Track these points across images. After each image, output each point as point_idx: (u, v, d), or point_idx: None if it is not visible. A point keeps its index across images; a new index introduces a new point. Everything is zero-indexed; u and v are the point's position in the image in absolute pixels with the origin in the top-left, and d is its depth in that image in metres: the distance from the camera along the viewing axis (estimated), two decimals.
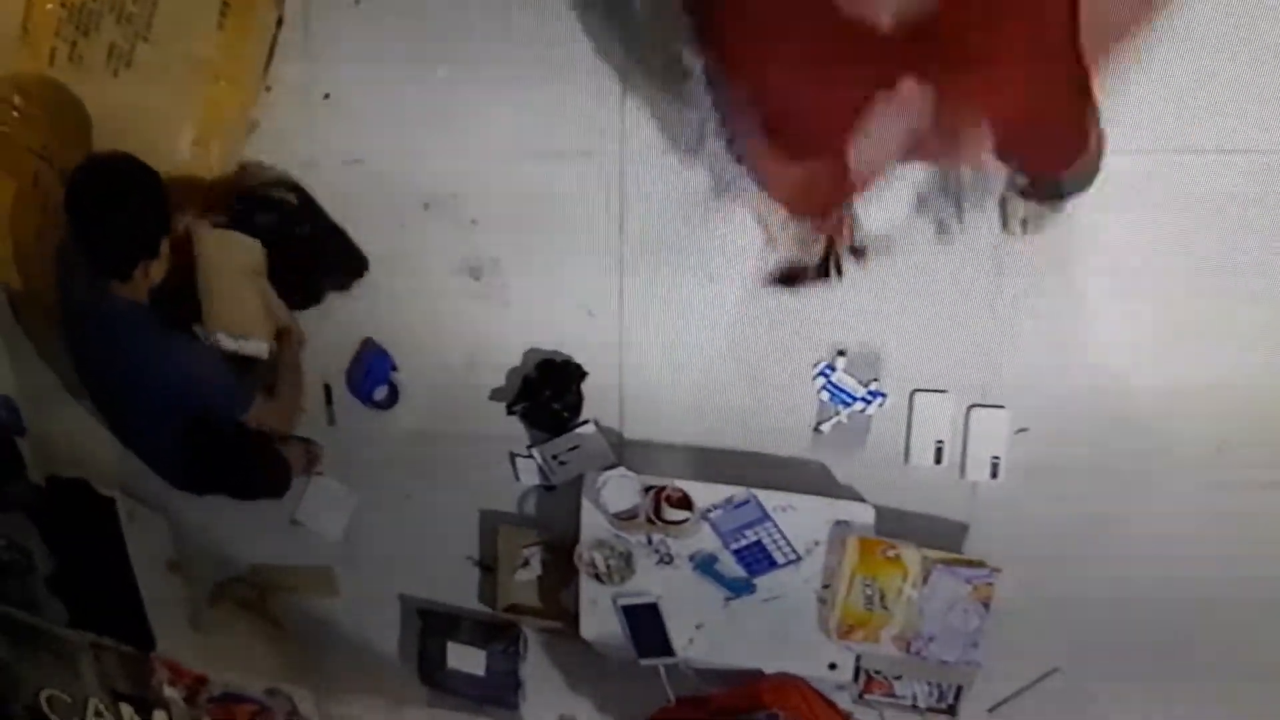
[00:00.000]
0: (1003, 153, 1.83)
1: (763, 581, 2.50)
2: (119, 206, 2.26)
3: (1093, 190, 2.14)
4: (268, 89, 2.71)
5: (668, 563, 2.55)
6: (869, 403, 2.49)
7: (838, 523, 2.44)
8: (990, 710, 2.63)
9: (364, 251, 2.71)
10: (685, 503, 2.48)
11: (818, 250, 2.16)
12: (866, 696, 2.61)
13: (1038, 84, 1.63)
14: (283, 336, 2.61)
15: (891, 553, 2.40)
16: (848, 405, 2.50)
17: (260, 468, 2.76)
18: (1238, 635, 2.46)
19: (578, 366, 2.65)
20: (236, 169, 2.69)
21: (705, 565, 2.53)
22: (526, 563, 2.78)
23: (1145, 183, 2.18)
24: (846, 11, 1.48)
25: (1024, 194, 2.11)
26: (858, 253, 2.20)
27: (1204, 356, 2.33)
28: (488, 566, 2.87)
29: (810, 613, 2.49)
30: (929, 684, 2.57)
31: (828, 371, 2.49)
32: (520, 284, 2.67)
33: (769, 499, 2.47)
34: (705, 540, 2.52)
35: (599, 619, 2.60)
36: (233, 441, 2.66)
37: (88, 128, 2.59)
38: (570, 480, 2.69)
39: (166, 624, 3.12)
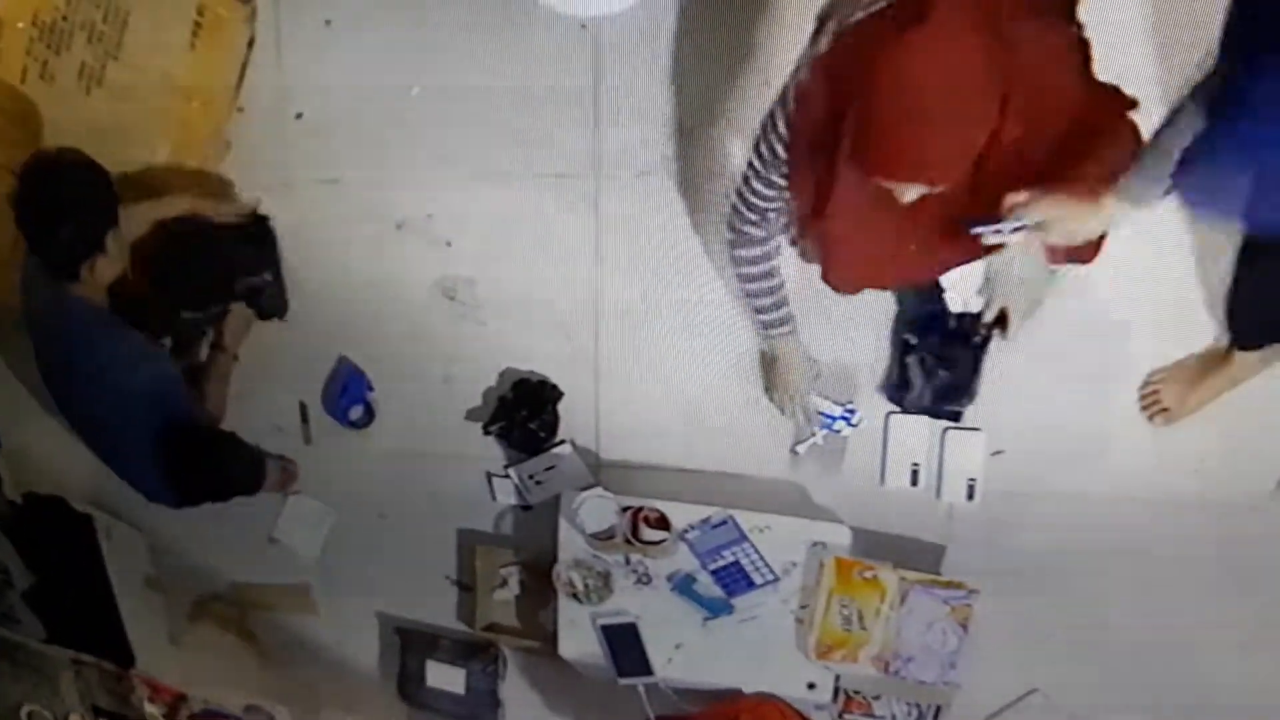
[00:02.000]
0: None
1: (741, 602, 2.49)
2: (62, 202, 2.27)
3: None
4: (240, 109, 2.72)
5: (646, 583, 2.55)
6: (844, 420, 2.48)
7: (814, 543, 2.44)
8: None
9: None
10: (663, 523, 2.48)
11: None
12: (845, 716, 2.59)
13: None
14: (216, 351, 2.70)
15: (869, 573, 2.40)
16: (827, 426, 2.50)
17: (234, 461, 2.71)
18: (1217, 656, 2.44)
19: (553, 387, 2.65)
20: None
21: (683, 585, 2.52)
22: (504, 582, 2.78)
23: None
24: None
25: None
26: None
27: None
28: (466, 585, 2.87)
29: (788, 633, 2.48)
30: (908, 704, 2.56)
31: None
32: (495, 305, 2.67)
33: (746, 520, 2.47)
34: (683, 560, 2.51)
35: (578, 639, 2.60)
36: (204, 440, 2.65)
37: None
38: (547, 500, 2.68)
39: (146, 641, 3.11)
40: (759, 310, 2.09)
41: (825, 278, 2.18)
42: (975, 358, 2.35)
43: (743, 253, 2.00)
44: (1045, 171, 1.64)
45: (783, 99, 1.77)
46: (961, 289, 1.96)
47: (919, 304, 2.38)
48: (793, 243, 2.06)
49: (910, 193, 1.62)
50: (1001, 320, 2.19)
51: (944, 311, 2.34)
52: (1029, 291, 2.00)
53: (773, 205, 1.90)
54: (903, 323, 2.42)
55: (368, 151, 2.66)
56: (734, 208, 1.96)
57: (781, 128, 1.78)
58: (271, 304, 2.76)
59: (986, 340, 2.28)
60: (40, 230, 2.31)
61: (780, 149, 1.79)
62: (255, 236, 2.71)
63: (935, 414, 2.44)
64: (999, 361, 2.37)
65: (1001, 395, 2.41)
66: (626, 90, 2.45)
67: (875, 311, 2.43)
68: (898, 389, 2.44)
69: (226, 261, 2.67)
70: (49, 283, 2.37)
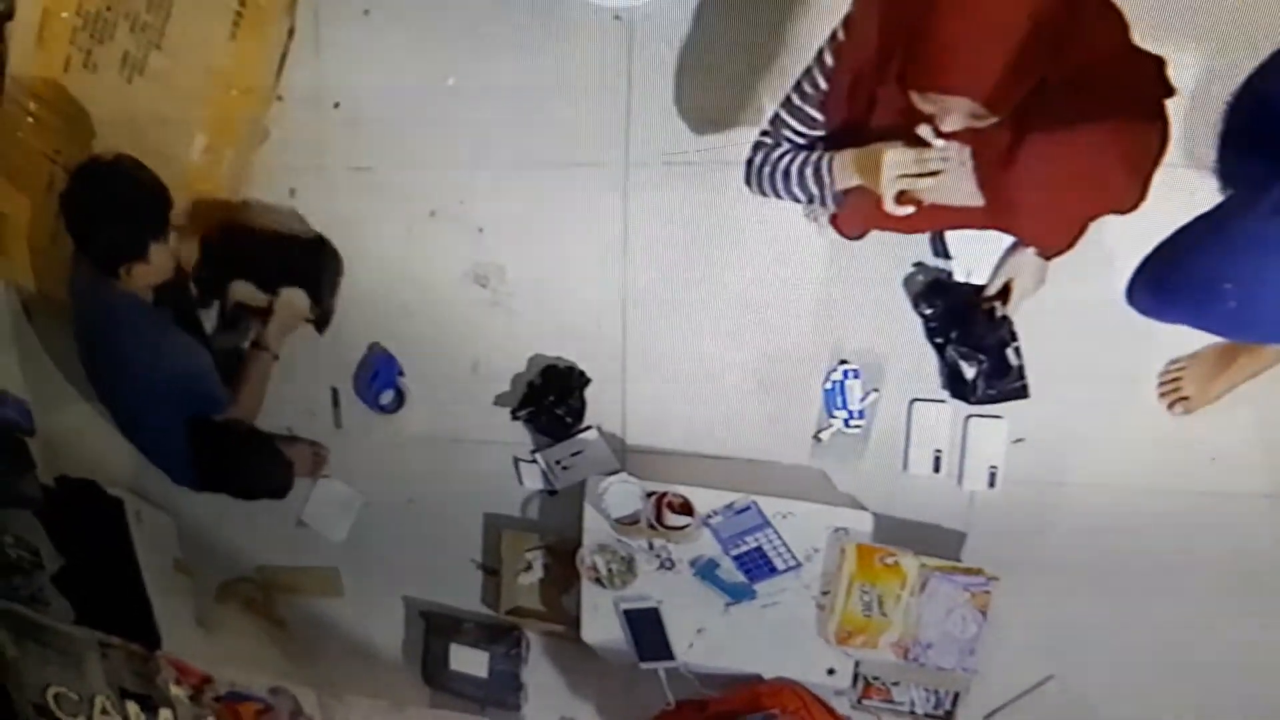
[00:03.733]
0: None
1: (763, 587, 2.52)
2: (109, 206, 2.32)
3: None
4: (279, 98, 2.76)
5: (669, 568, 2.57)
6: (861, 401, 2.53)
7: (836, 529, 2.46)
8: (987, 717, 2.63)
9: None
10: (686, 508, 2.50)
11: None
12: (864, 702, 2.62)
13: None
14: (256, 349, 2.71)
15: (890, 560, 2.42)
16: (852, 415, 2.53)
17: (263, 467, 2.81)
18: (1234, 643, 2.46)
19: (581, 373, 2.68)
20: None
21: (706, 570, 2.55)
22: (529, 566, 2.81)
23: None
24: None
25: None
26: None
27: None
28: (491, 569, 2.89)
29: (810, 619, 2.50)
30: (926, 690, 2.58)
31: (847, 375, 2.52)
32: (525, 291, 2.70)
33: (769, 505, 2.49)
34: (706, 546, 2.54)
35: (600, 623, 2.62)
36: (235, 440, 2.73)
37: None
38: (573, 485, 2.71)
39: (173, 623, 3.14)
40: (805, 191, 1.94)
41: (834, 220, 2.20)
42: (1001, 335, 2.38)
43: (764, 165, 1.96)
44: (1071, 135, 1.67)
45: (831, 36, 1.79)
46: (966, 258, 1.97)
47: (930, 299, 2.43)
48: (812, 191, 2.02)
49: (952, 118, 1.61)
50: (1005, 294, 2.21)
51: (959, 303, 2.37)
52: (1035, 269, 2.01)
53: (802, 139, 1.90)
54: (926, 326, 2.45)
55: (403, 140, 2.69)
56: (759, 143, 1.96)
57: (828, 59, 1.79)
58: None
59: (991, 312, 2.31)
60: (84, 229, 2.37)
61: (823, 81, 1.81)
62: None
63: (1003, 398, 2.43)
64: (1021, 350, 2.40)
65: None
66: (658, 81, 2.48)
67: (899, 301, 2.46)
68: (957, 385, 2.45)
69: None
70: (93, 272, 2.42)
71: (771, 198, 1.97)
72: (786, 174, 1.92)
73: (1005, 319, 2.33)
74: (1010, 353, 2.39)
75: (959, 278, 2.32)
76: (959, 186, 1.83)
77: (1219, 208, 1.66)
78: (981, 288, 2.29)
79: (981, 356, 2.40)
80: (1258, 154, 1.55)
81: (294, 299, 2.71)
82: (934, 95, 1.59)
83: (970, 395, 2.44)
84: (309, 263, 2.75)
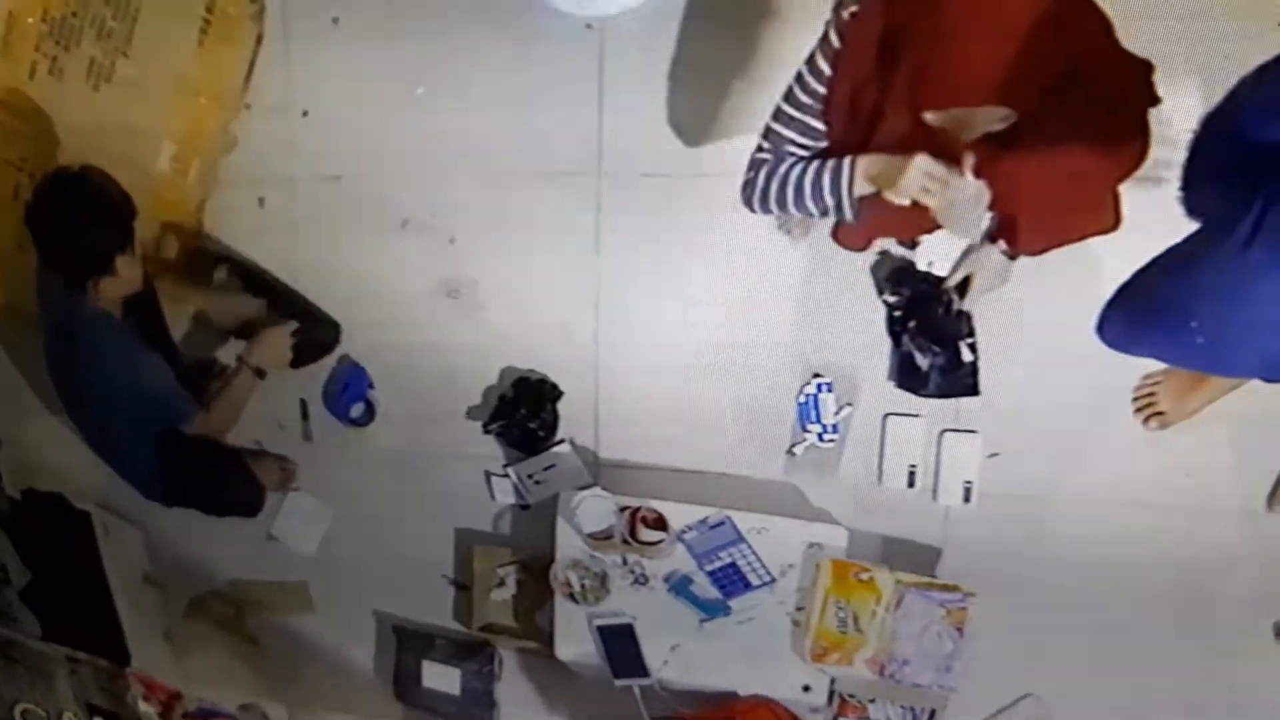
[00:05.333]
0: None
1: (737, 603, 2.50)
2: (75, 219, 2.29)
3: None
4: (247, 106, 2.74)
5: (643, 583, 2.55)
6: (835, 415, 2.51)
7: (811, 545, 2.44)
8: None
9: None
10: (660, 523, 2.48)
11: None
12: (840, 719, 2.61)
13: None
14: (243, 366, 2.65)
15: (864, 575, 2.40)
16: (826, 430, 2.51)
17: (234, 485, 2.78)
18: (1212, 661, 2.45)
19: (553, 386, 2.66)
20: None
21: (680, 586, 2.53)
22: (502, 582, 2.78)
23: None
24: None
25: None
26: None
27: None
28: (463, 585, 2.87)
29: (784, 635, 2.49)
30: (903, 707, 2.56)
31: (821, 389, 2.50)
32: (497, 303, 2.69)
33: (743, 521, 2.47)
34: (680, 561, 2.52)
35: (574, 639, 2.60)
36: (206, 458, 2.69)
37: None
38: (546, 500, 2.69)
39: (142, 639, 3.11)
40: (820, 201, 1.86)
41: (835, 234, 2.19)
42: (958, 328, 2.36)
43: (770, 182, 1.89)
44: (1062, 155, 1.64)
45: (823, 39, 1.74)
46: (930, 249, 1.95)
47: (895, 287, 2.41)
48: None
49: (973, 128, 1.58)
50: (964, 287, 2.20)
51: (921, 292, 2.36)
52: (998, 266, 2.00)
53: (805, 151, 1.85)
54: (889, 314, 2.43)
55: (372, 149, 2.68)
56: (759, 160, 1.90)
57: (824, 66, 1.73)
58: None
59: (949, 305, 2.29)
60: (49, 242, 2.34)
61: (820, 87, 1.75)
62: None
63: (953, 393, 2.42)
64: (995, 364, 2.40)
65: (998, 398, 2.42)
66: (631, 90, 2.47)
67: (873, 317, 2.46)
68: (908, 376, 2.43)
69: None
70: (60, 285, 2.40)
71: (776, 214, 1.93)
72: (799, 187, 1.84)
73: (964, 314, 2.32)
74: (964, 347, 2.38)
75: (920, 267, 2.32)
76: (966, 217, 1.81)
77: (1184, 242, 1.64)
78: (941, 279, 2.28)
79: (937, 349, 2.38)
80: (1223, 188, 1.53)
81: (276, 337, 2.68)
82: (954, 110, 1.56)
83: (922, 388, 2.43)
84: (304, 315, 2.73)
